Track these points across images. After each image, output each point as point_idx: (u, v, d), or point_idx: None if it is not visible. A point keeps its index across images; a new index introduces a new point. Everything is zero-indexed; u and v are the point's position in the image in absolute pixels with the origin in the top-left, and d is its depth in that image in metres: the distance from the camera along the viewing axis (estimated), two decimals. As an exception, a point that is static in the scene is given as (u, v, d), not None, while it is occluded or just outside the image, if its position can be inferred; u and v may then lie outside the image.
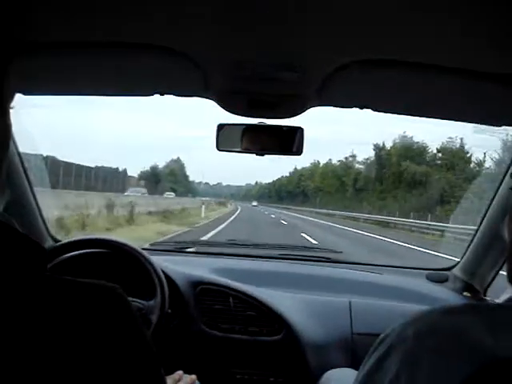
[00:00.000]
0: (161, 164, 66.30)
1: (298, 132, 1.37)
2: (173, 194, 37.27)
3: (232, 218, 24.84)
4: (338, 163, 59.56)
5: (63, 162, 18.63)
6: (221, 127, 1.39)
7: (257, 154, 1.40)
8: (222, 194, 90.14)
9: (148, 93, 1.32)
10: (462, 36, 0.89)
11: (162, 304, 1.37)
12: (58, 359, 0.46)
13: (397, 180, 40.04)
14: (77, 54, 1.06)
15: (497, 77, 1.03)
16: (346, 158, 56.15)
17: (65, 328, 0.48)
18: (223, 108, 1.33)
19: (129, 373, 0.51)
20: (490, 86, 1.08)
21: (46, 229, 1.72)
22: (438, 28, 0.86)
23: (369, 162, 48.36)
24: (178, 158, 74.22)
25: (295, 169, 77.88)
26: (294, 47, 1.01)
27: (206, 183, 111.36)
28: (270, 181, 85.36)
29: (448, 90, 1.18)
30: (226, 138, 1.39)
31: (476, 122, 1.56)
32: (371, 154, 48.04)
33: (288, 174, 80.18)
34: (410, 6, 0.78)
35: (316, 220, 29.43)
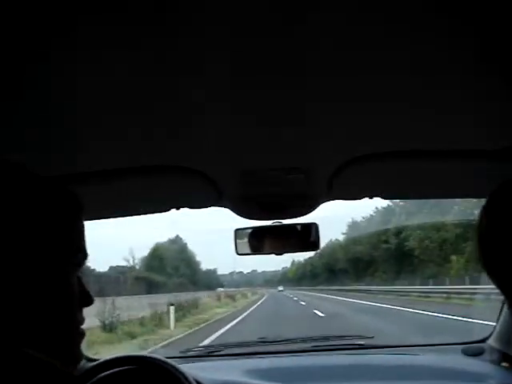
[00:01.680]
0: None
1: (312, 228, 1.45)
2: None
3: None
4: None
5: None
6: (237, 232, 1.48)
7: (276, 255, 1.48)
8: (255, 282, 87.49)
9: (166, 209, 1.43)
10: (459, 125, 0.97)
11: None
12: None
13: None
14: (105, 182, 1.18)
15: (486, 153, 1.09)
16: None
17: None
18: (237, 214, 1.42)
19: None
20: (479, 162, 1.15)
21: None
22: (435, 117, 0.94)
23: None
24: (177, 236, 43.87)
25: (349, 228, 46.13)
26: (298, 151, 1.10)
27: (240, 272, 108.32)
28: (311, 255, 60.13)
29: (445, 171, 1.24)
30: (243, 242, 1.48)
31: (465, 197, 1.60)
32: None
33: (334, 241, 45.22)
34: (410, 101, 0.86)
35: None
